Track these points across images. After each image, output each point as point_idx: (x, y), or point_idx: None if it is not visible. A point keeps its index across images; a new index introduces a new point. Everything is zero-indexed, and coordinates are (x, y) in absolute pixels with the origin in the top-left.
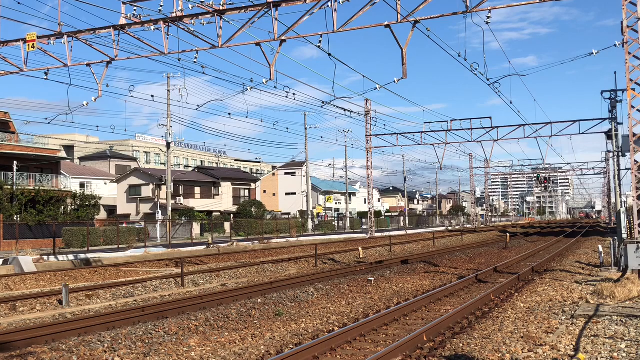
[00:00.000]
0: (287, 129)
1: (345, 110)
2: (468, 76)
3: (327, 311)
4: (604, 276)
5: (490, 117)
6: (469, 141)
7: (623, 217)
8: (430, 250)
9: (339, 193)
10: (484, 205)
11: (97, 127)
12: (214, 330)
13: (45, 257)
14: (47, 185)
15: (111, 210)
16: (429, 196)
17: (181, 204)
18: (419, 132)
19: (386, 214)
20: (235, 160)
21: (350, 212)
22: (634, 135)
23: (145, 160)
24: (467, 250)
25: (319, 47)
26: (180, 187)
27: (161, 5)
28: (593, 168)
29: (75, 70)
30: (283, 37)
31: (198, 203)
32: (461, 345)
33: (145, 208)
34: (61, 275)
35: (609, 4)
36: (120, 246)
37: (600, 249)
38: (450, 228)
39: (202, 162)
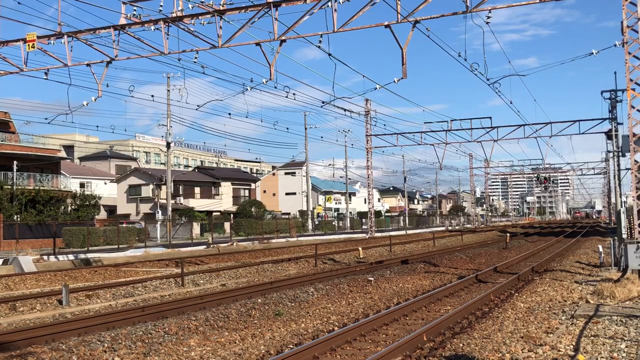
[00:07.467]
0: (287, 129)
1: (345, 110)
2: (468, 76)
3: (327, 311)
4: (604, 276)
5: (490, 117)
6: (469, 141)
7: (623, 217)
8: (430, 250)
9: (339, 193)
10: (484, 205)
11: (97, 127)
12: (214, 330)
13: (45, 257)
14: (47, 185)
15: (111, 210)
16: (429, 196)
17: (181, 204)
18: (419, 132)
19: (386, 214)
20: (235, 160)
21: (350, 212)
22: (634, 135)
23: (145, 160)
24: (467, 250)
25: (319, 47)
26: (180, 187)
27: (161, 5)
28: (593, 168)
29: (75, 70)
30: (283, 37)
31: (198, 203)
32: (461, 345)
33: (145, 208)
34: (61, 275)
35: (610, 5)
36: (120, 246)
37: (600, 249)
38: (450, 228)
39: (202, 162)
